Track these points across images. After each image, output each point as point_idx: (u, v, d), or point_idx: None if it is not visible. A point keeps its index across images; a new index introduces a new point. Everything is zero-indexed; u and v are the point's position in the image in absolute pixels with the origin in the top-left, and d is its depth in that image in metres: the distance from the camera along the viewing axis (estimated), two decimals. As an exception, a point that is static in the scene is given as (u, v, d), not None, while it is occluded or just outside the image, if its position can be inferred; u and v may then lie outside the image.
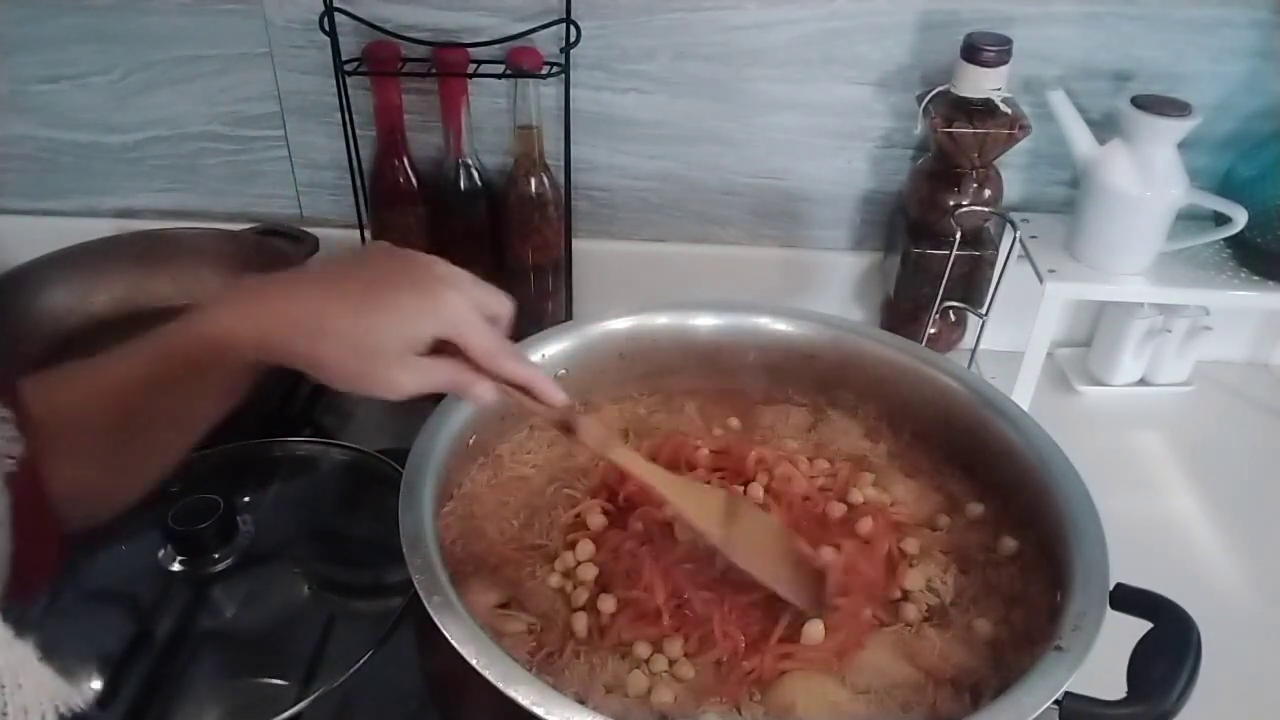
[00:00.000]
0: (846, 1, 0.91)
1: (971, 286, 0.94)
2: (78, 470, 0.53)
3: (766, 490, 0.67)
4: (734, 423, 0.76)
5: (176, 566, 0.70)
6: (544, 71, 0.91)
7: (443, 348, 0.53)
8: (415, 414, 0.66)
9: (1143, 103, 0.85)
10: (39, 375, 0.54)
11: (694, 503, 0.60)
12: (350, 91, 0.93)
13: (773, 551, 0.60)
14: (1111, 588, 0.55)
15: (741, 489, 0.67)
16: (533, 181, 0.96)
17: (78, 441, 0.53)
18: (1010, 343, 0.96)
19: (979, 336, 0.90)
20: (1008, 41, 0.85)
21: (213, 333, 0.52)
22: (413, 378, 0.52)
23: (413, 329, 0.52)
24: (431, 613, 0.51)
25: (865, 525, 0.64)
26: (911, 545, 0.65)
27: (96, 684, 0.64)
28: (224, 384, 0.55)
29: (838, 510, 0.66)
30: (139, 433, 0.55)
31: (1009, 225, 0.89)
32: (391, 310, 0.51)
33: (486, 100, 0.97)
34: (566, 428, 0.57)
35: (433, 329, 0.52)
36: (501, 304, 0.56)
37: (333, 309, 0.52)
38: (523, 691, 0.47)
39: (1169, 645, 0.52)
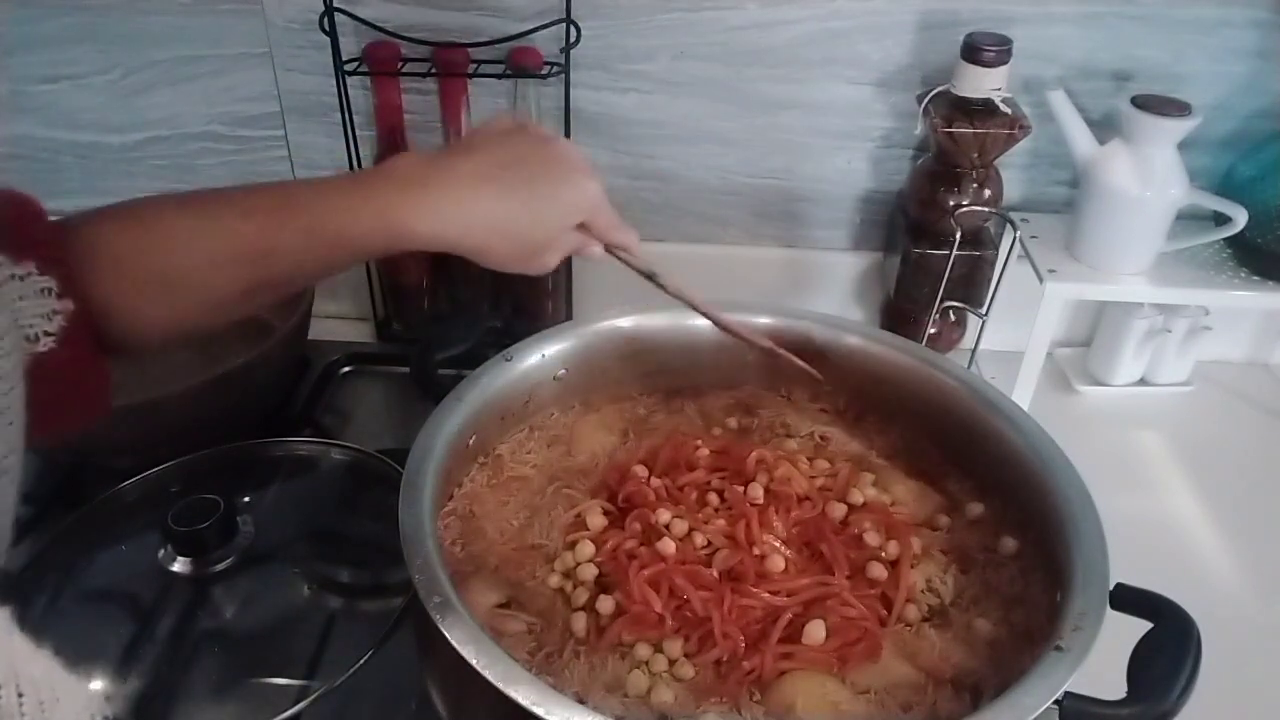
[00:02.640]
0: (846, 1, 0.91)
1: (971, 286, 0.94)
2: (161, 313, 0.54)
3: (766, 490, 0.67)
4: (733, 423, 0.76)
5: (176, 566, 0.70)
6: (544, 71, 0.91)
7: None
8: (415, 414, 0.66)
9: (1143, 103, 0.85)
10: (159, 220, 0.53)
11: None
12: (350, 91, 0.93)
13: None
14: (1111, 588, 0.55)
15: (742, 489, 0.67)
16: (533, 181, 0.96)
17: (185, 293, 0.54)
18: (1010, 343, 0.96)
19: (979, 336, 0.90)
20: (1008, 41, 0.85)
21: (393, 227, 0.54)
22: (556, 255, 0.60)
23: (566, 219, 0.59)
24: (431, 613, 0.51)
25: (876, 570, 0.62)
26: (915, 545, 0.65)
27: (98, 684, 0.64)
28: (364, 261, 0.57)
29: (838, 510, 0.66)
30: (253, 293, 0.55)
31: (1009, 225, 0.89)
32: (551, 205, 0.58)
33: (486, 100, 0.97)
34: (651, 277, 0.66)
35: (578, 216, 0.60)
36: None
37: (505, 207, 0.57)
38: (523, 691, 0.47)
39: (1169, 645, 0.52)
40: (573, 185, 0.59)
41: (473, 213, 0.56)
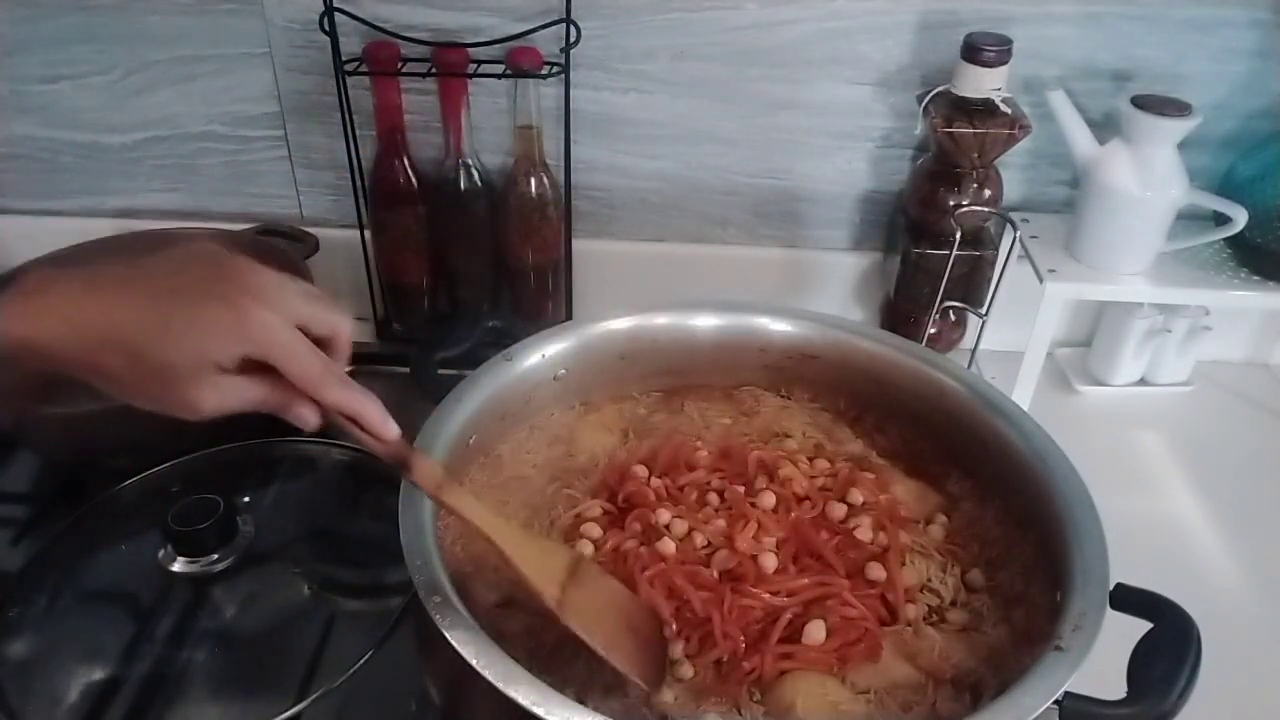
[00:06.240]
0: (846, 1, 0.91)
1: (971, 286, 0.94)
2: None
3: (767, 490, 0.67)
4: (730, 422, 0.76)
5: (176, 566, 0.70)
6: (544, 71, 0.91)
7: (263, 366, 0.49)
8: (416, 414, 0.66)
9: (1143, 103, 0.85)
10: None
11: (534, 559, 0.55)
12: (350, 91, 0.92)
13: (614, 620, 0.56)
14: (1111, 588, 0.55)
15: (742, 489, 0.67)
16: (533, 181, 0.96)
17: None
18: (1010, 343, 0.95)
19: (979, 336, 0.90)
20: (1008, 41, 0.85)
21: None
22: (216, 398, 0.48)
23: (213, 347, 0.47)
24: (431, 613, 0.51)
25: (876, 570, 0.62)
26: (919, 541, 0.65)
27: (97, 684, 0.64)
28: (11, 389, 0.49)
29: (838, 510, 0.66)
30: None
31: (1009, 225, 0.89)
32: (189, 325, 0.47)
33: (486, 100, 0.97)
34: (402, 463, 0.54)
35: (238, 348, 0.47)
36: (335, 323, 0.52)
37: (126, 319, 0.46)
38: (523, 691, 0.47)
39: (1169, 645, 0.52)
40: (231, 307, 0.47)
41: (82, 317, 0.46)
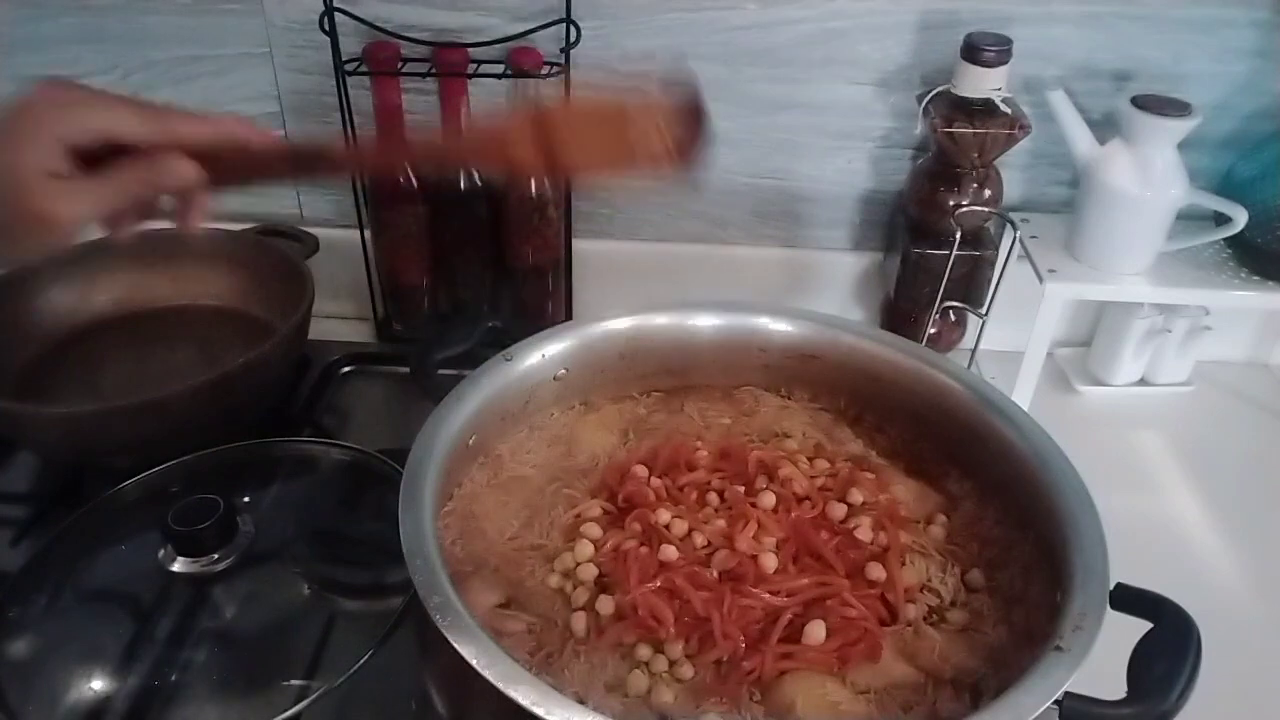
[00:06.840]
0: (846, 1, 0.91)
1: (971, 286, 0.94)
2: None
3: (767, 490, 0.67)
4: (730, 422, 0.76)
5: (176, 566, 0.70)
6: (544, 71, 0.91)
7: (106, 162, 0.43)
8: (415, 414, 0.66)
9: (1143, 103, 0.85)
10: None
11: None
12: (350, 91, 0.93)
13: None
14: (1111, 588, 0.55)
15: (742, 489, 0.67)
16: (533, 181, 0.96)
17: None
18: (1010, 343, 0.95)
19: (979, 336, 0.90)
20: (1008, 41, 0.85)
21: None
22: (68, 204, 0.42)
23: (34, 145, 0.41)
24: (431, 613, 0.51)
25: (876, 570, 0.62)
26: (919, 541, 0.65)
27: (97, 684, 0.64)
28: None
29: (838, 510, 0.66)
30: None
31: (1009, 225, 0.89)
32: (2, 139, 0.41)
33: (486, 100, 0.97)
34: (309, 159, 0.49)
35: (59, 133, 0.42)
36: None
37: None
38: (523, 691, 0.47)
39: (1169, 645, 0.52)
40: (36, 104, 0.42)
41: None
